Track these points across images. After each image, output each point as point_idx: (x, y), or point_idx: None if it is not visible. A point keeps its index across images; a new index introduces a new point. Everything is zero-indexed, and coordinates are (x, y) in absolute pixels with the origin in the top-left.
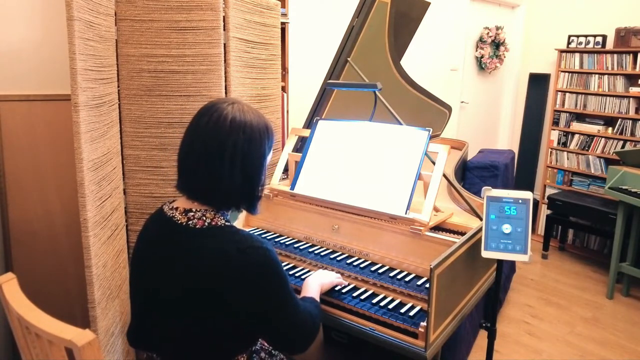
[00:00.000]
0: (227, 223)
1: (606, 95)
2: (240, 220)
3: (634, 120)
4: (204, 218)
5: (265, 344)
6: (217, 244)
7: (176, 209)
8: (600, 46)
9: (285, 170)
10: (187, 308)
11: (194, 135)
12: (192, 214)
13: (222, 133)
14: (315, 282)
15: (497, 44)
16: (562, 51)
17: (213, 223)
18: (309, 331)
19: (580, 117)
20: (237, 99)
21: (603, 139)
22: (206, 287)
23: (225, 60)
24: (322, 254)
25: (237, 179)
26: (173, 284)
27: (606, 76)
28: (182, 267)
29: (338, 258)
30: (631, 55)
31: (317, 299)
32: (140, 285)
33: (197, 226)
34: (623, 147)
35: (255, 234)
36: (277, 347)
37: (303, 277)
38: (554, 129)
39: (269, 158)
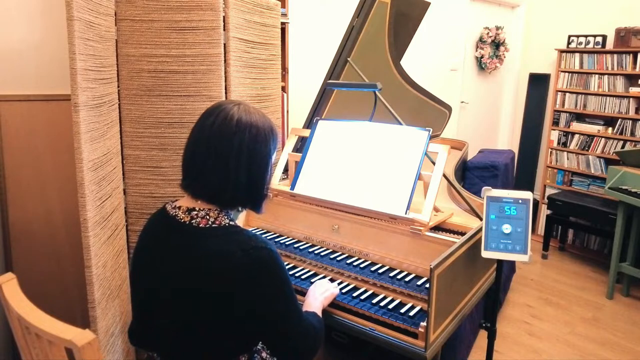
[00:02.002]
0: (231, 222)
1: (606, 95)
2: (241, 220)
3: (634, 120)
4: (208, 217)
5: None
6: (220, 244)
7: (179, 207)
8: (600, 46)
9: (285, 170)
10: (189, 307)
11: (200, 135)
12: (195, 212)
13: (228, 133)
14: (317, 300)
15: (497, 44)
16: (562, 51)
17: (217, 222)
18: (312, 341)
19: (580, 117)
20: (242, 101)
21: (603, 139)
22: (209, 286)
23: (225, 60)
24: (322, 254)
25: (242, 178)
26: (175, 283)
27: (606, 76)
28: (185, 266)
29: (338, 258)
30: (631, 55)
31: (320, 315)
32: (142, 284)
33: (201, 225)
34: (623, 147)
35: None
36: (278, 354)
37: (303, 277)
38: (554, 129)
39: (273, 158)
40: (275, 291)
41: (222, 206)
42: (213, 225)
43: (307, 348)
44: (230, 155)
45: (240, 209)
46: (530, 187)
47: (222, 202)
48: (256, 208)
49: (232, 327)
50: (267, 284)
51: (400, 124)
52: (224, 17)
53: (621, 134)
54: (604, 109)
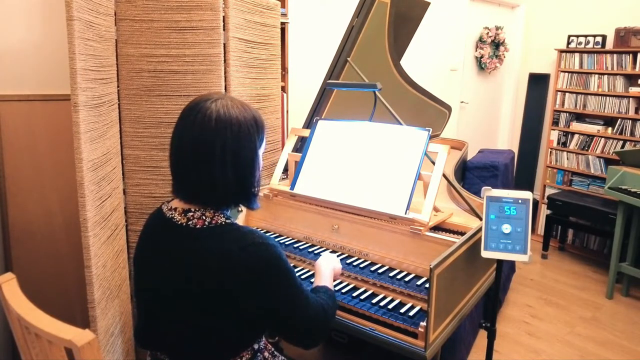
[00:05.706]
0: (227, 220)
1: (606, 95)
2: (240, 221)
3: (634, 120)
4: (204, 217)
5: (269, 345)
6: (218, 243)
7: (175, 209)
8: (600, 46)
9: (285, 170)
10: (192, 308)
11: (181, 138)
12: (191, 214)
13: (208, 134)
14: (328, 267)
15: (497, 44)
16: (561, 51)
17: (213, 222)
18: (321, 324)
19: (580, 117)
20: (221, 94)
21: (603, 139)
22: (210, 286)
23: (225, 60)
24: (322, 254)
25: (230, 178)
26: (177, 284)
27: (606, 76)
28: (186, 268)
29: (338, 258)
30: (631, 55)
31: (331, 286)
32: (144, 286)
33: (197, 226)
34: (623, 147)
35: None
36: (290, 342)
37: (303, 277)
38: (554, 129)
39: (261, 150)
40: (278, 284)
41: (215, 206)
42: (210, 225)
43: (318, 331)
44: (214, 157)
45: (239, 209)
46: (530, 187)
47: (214, 203)
48: (249, 204)
49: (236, 323)
50: (268, 279)
51: (400, 124)
52: (223, 17)
53: (621, 133)
54: (604, 109)
